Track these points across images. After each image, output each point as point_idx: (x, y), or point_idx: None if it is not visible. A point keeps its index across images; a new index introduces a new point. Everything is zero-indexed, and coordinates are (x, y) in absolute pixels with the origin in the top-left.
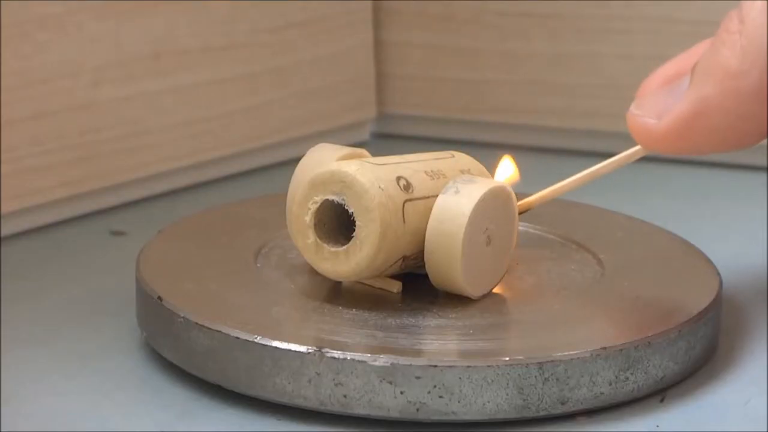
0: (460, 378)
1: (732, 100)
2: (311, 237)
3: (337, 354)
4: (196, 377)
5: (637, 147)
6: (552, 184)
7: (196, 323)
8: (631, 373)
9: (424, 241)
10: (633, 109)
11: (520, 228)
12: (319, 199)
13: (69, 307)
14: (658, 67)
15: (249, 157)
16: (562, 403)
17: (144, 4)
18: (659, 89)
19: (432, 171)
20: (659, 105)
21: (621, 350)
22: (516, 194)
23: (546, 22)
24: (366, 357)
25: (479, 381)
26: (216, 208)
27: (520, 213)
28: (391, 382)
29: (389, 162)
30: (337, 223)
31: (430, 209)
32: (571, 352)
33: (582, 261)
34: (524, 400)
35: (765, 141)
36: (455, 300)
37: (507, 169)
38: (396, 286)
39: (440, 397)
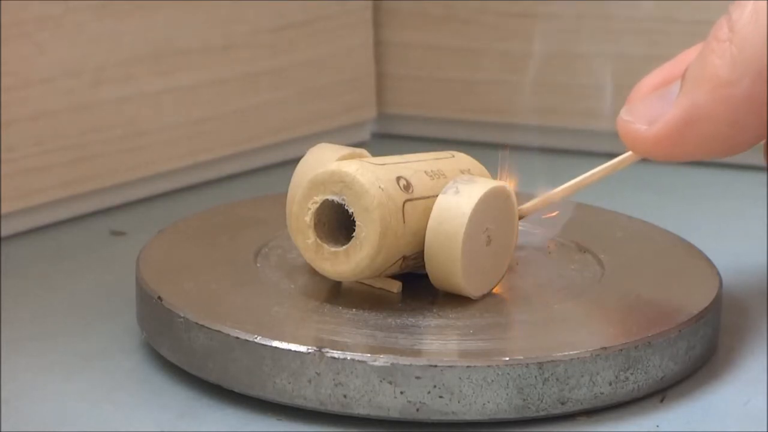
0: (460, 378)
1: (722, 109)
2: (311, 237)
3: (337, 354)
4: (196, 377)
5: (628, 153)
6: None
7: (196, 323)
8: (631, 373)
9: (424, 241)
10: (623, 115)
11: (520, 228)
12: (319, 199)
13: (69, 307)
14: (656, 67)
15: (249, 157)
16: (562, 403)
17: (144, 4)
18: (650, 95)
19: (432, 171)
20: (650, 111)
21: (621, 350)
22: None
23: (546, 22)
24: (366, 357)
25: (479, 381)
26: (216, 208)
27: None
28: (391, 382)
29: (389, 162)
30: (337, 223)
31: (430, 209)
32: (571, 352)
33: (582, 261)
34: (524, 400)
35: (765, 141)
36: (455, 300)
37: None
38: (396, 286)
39: (440, 397)
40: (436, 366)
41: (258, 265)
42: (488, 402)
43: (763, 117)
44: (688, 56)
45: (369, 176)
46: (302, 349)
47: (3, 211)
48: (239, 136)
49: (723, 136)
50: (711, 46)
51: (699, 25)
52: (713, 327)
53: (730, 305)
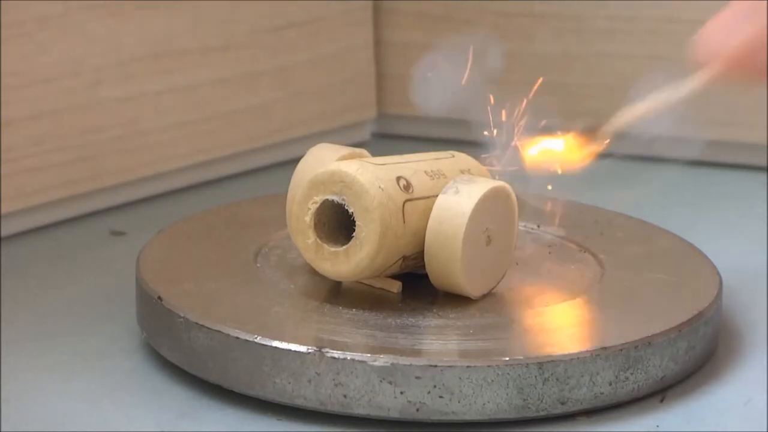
0: (460, 378)
1: None
2: (311, 237)
3: (337, 354)
4: (196, 377)
5: (704, 71)
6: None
7: (196, 323)
8: (631, 373)
9: (424, 241)
10: (702, 33)
11: (520, 228)
12: (319, 199)
13: (69, 307)
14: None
15: (249, 157)
16: (562, 403)
17: (144, 4)
18: (727, 19)
19: (432, 171)
20: (726, 31)
21: (621, 350)
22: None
23: (546, 22)
24: (366, 357)
25: (479, 381)
26: (216, 208)
27: (594, 144)
28: (391, 382)
29: (389, 162)
30: (337, 223)
31: (430, 209)
32: (571, 352)
33: (582, 261)
34: (524, 400)
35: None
36: (455, 300)
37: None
38: (396, 286)
39: (440, 397)
40: (436, 366)
41: (258, 265)
42: (488, 402)
43: None
44: None
45: (369, 176)
46: (302, 349)
47: (3, 211)
48: (239, 136)
49: None
50: None
51: (700, 25)
52: (713, 327)
53: (730, 305)
